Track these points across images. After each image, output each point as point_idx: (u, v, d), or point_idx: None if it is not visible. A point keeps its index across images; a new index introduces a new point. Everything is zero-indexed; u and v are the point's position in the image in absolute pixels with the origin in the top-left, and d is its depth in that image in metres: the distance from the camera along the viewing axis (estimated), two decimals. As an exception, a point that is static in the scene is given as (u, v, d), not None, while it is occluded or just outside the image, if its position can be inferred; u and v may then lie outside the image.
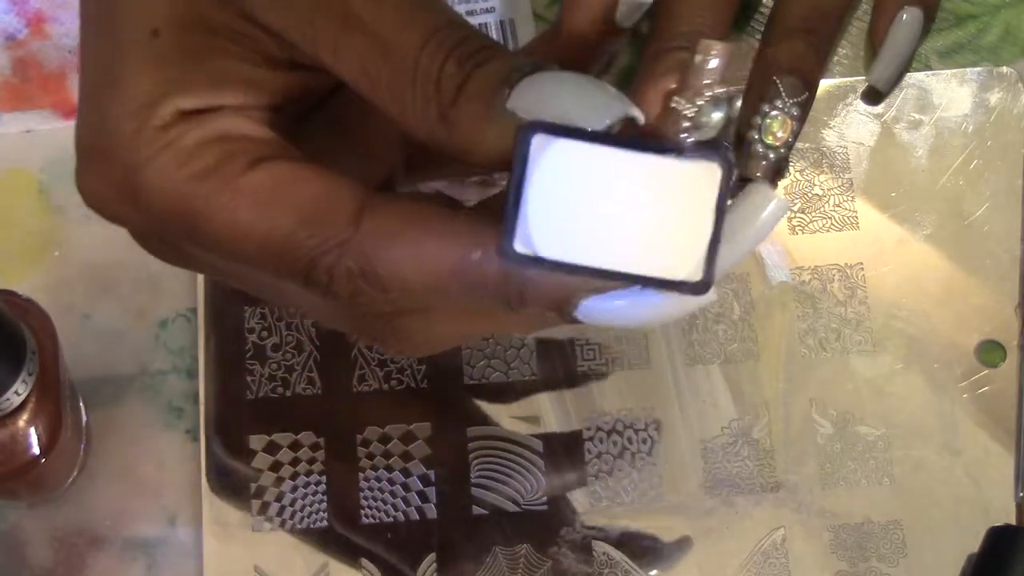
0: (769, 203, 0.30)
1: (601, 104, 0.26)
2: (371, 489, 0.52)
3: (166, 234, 0.31)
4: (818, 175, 0.57)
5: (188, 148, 0.29)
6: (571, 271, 0.26)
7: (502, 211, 0.26)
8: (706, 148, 0.26)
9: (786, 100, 0.41)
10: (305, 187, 0.29)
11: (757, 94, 0.41)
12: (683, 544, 0.53)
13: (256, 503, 0.52)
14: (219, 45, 0.30)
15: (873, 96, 0.55)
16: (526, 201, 0.25)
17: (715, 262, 0.26)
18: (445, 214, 0.29)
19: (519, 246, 0.26)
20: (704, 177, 0.26)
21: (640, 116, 0.27)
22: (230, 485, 0.52)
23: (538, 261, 0.26)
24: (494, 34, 0.57)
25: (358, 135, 0.34)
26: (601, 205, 0.25)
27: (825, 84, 0.58)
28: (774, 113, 0.41)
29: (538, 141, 0.25)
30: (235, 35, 0.30)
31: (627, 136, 0.26)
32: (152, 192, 0.29)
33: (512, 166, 0.26)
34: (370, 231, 0.28)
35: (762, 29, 0.45)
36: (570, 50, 0.34)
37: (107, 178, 0.30)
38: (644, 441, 0.54)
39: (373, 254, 0.28)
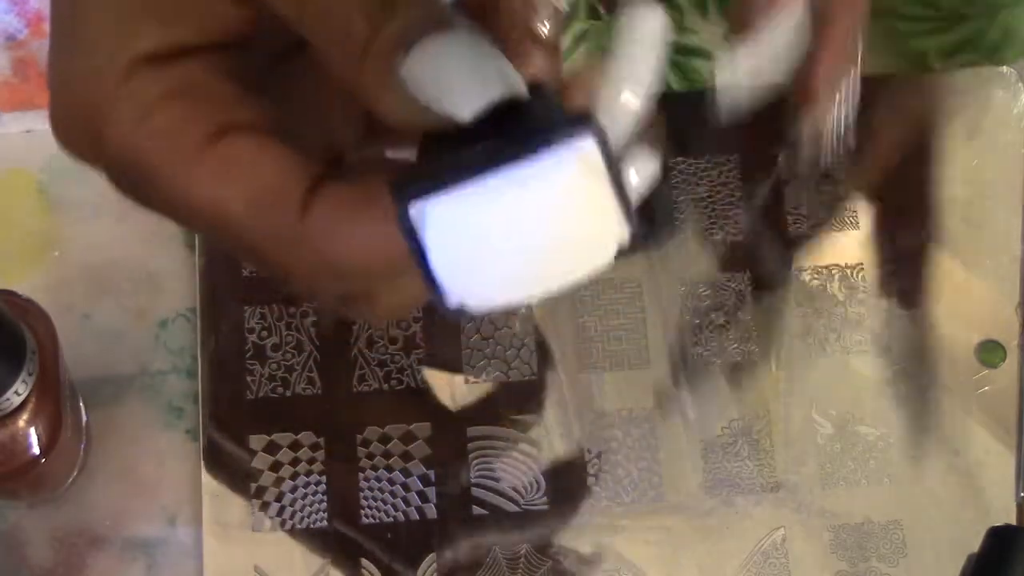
0: (649, 16, 0.29)
1: (485, 80, 0.26)
2: (371, 489, 0.52)
3: (126, 186, 0.30)
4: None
5: (149, 101, 0.29)
6: (512, 302, 0.25)
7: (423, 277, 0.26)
8: (572, 123, 0.24)
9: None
10: (260, 169, 0.29)
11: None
12: (683, 544, 0.53)
13: (256, 503, 0.52)
14: None
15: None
16: (434, 269, 0.25)
17: (631, 216, 0.25)
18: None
19: (453, 303, 0.25)
20: (581, 157, 0.24)
21: (523, 91, 0.26)
22: (230, 485, 0.52)
23: (477, 308, 0.25)
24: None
25: (314, 97, 0.34)
26: (505, 237, 0.25)
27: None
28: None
29: (415, 211, 0.25)
30: None
31: (492, 152, 0.25)
32: (112, 142, 0.29)
33: (405, 239, 0.25)
34: (319, 217, 0.28)
35: None
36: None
37: (74, 119, 0.30)
38: (644, 441, 0.54)
39: (323, 245, 0.28)
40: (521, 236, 0.25)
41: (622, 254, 0.26)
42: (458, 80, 0.26)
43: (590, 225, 0.25)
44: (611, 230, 0.25)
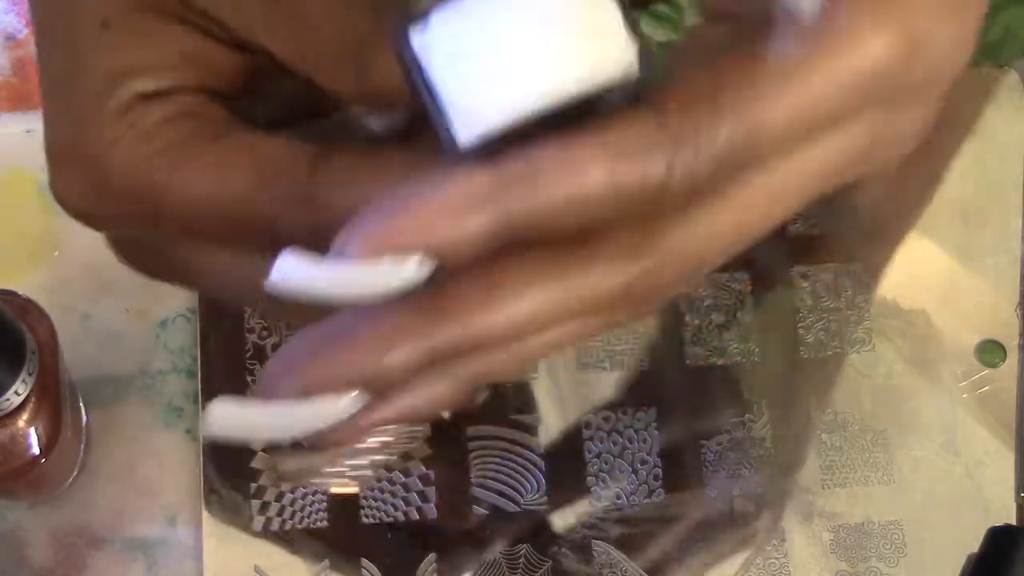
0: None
1: None
2: (371, 489, 0.52)
3: (134, 221, 0.31)
4: (818, 175, 0.57)
5: (149, 127, 0.29)
6: (527, 122, 0.24)
7: (428, 122, 0.24)
8: None
9: None
10: (262, 150, 0.29)
11: None
12: (683, 544, 0.53)
13: (256, 503, 0.52)
14: (171, 27, 0.30)
15: None
16: (441, 89, 0.24)
17: (636, 38, 0.24)
18: (395, 150, 0.29)
19: (464, 136, 0.24)
20: None
21: None
22: (230, 485, 0.52)
23: (490, 134, 0.24)
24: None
25: None
26: (508, 48, 0.24)
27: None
28: None
29: (418, 39, 0.24)
30: (184, 14, 0.30)
31: None
32: (117, 173, 0.29)
33: (407, 69, 0.24)
34: (329, 172, 0.29)
35: None
36: None
37: (78, 174, 0.30)
38: (644, 441, 0.54)
39: (335, 199, 0.28)
40: (527, 44, 0.24)
41: (626, 86, 0.24)
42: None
43: (597, 36, 0.24)
44: (617, 45, 0.24)
